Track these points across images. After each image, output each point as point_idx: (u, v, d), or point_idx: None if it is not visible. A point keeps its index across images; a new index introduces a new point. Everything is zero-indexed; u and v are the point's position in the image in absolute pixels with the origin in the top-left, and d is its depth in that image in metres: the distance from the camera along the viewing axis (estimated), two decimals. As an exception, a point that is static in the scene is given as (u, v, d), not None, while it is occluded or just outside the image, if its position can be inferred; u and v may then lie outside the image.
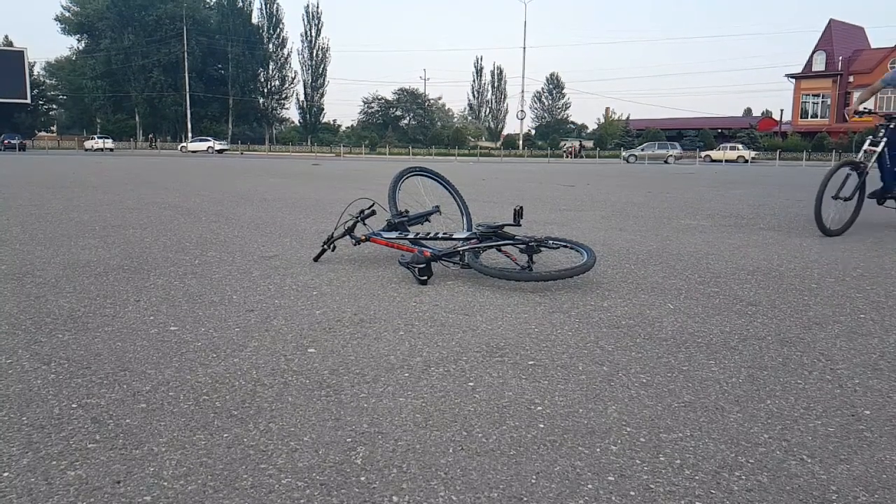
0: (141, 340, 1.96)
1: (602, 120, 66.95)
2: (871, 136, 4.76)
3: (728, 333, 2.13)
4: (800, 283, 2.96)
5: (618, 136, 56.53)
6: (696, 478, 1.21)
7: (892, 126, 4.73)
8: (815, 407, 1.55)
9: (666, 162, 37.27)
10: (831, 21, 50.52)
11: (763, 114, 66.36)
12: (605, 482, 1.19)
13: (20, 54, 51.68)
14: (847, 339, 2.09)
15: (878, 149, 4.72)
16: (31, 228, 4.35)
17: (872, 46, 50.92)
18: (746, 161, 41.27)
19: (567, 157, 49.62)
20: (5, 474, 1.18)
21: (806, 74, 51.03)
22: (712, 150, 46.27)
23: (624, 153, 42.71)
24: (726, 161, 41.09)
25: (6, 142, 43.65)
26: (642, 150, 41.48)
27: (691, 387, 1.66)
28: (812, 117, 51.50)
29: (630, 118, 61.72)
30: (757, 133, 51.06)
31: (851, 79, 48.73)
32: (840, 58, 48.96)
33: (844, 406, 1.56)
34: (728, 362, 1.85)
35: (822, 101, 50.98)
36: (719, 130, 54.09)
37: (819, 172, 22.92)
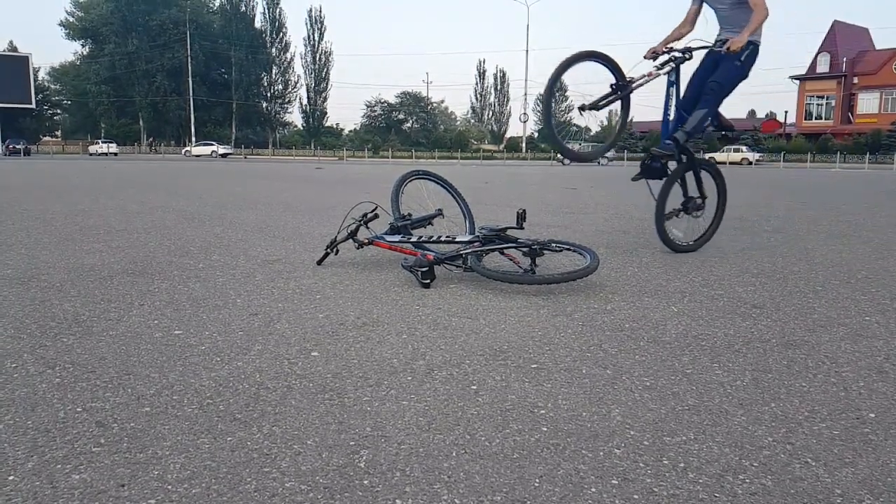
0: (145, 344, 1.97)
1: (605, 122, 66.92)
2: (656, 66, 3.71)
3: (732, 336, 2.13)
4: (804, 285, 2.95)
5: (621, 139, 56.47)
6: (700, 481, 1.21)
7: (688, 56, 3.68)
8: (820, 410, 1.54)
9: (599, 163, 38.18)
10: (835, 22, 50.42)
11: (767, 115, 66.21)
12: (609, 485, 1.19)
13: (25, 59, 51.97)
14: (852, 342, 2.08)
15: (660, 72, 3.64)
16: (35, 233, 4.37)
17: (877, 47, 50.79)
18: (750, 163, 41.24)
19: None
20: (10, 478, 1.18)
21: (810, 76, 50.93)
22: (716, 152, 46.22)
23: (558, 155, 43.87)
24: (730, 163, 41.04)
25: (11, 147, 43.90)
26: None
27: (695, 390, 1.65)
28: (816, 119, 51.38)
29: (633, 120, 61.68)
30: (761, 135, 50.96)
31: (856, 80, 48.63)
32: (844, 59, 48.84)
33: (849, 409, 1.55)
34: (732, 365, 1.84)
35: (827, 103, 50.88)
36: (723, 132, 53.93)
37: (824, 174, 22.85)
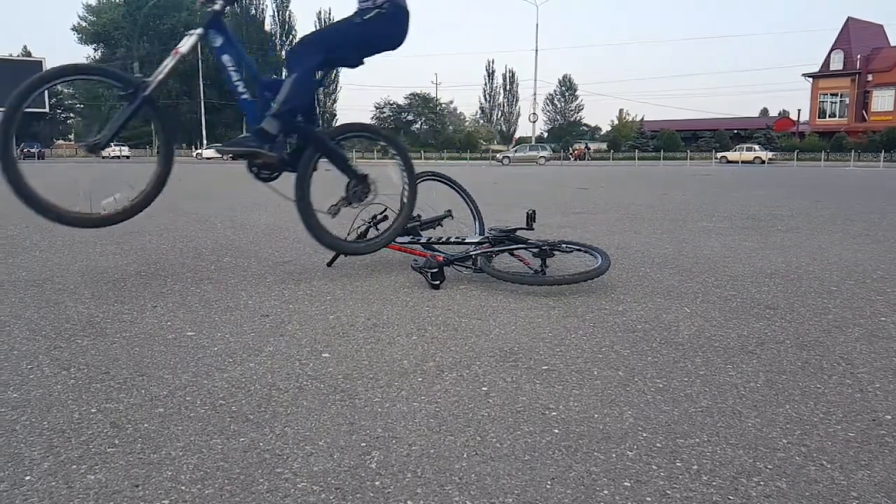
0: (158, 346, 1.99)
1: (616, 122, 66.63)
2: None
3: (746, 337, 2.11)
4: (819, 285, 2.92)
5: (632, 138, 56.22)
6: (714, 483, 1.20)
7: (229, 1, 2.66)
8: (835, 411, 1.52)
9: (538, 163, 39.28)
10: (849, 19, 49.88)
11: (780, 114, 65.64)
12: (621, 488, 1.18)
13: (38, 64, 52.32)
14: (867, 343, 2.06)
15: (189, 44, 2.65)
16: (49, 235, 4.42)
17: (892, 44, 50.16)
18: (763, 162, 40.91)
19: (573, 158, 50.09)
20: (27, 478, 1.20)
21: (823, 74, 50.43)
22: (728, 151, 45.90)
23: (499, 155, 46.03)
24: (742, 162, 40.75)
25: (25, 150, 44.45)
26: (515, 151, 45.05)
27: (708, 391, 1.64)
28: (830, 117, 50.87)
29: (644, 119, 61.35)
30: (774, 133, 50.54)
31: (870, 77, 48.08)
32: (858, 56, 48.30)
33: (865, 410, 1.53)
34: (746, 366, 1.83)
35: (841, 101, 50.35)
36: (735, 131, 53.58)
37: (838, 172, 22.56)
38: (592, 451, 1.32)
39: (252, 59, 2.86)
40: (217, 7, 2.65)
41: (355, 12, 2.80)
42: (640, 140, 54.37)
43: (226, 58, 2.68)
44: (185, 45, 2.67)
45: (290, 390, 1.63)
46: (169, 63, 2.71)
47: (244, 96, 2.71)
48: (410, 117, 66.74)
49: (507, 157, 43.17)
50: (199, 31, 2.66)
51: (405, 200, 3.16)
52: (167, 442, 1.35)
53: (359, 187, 3.05)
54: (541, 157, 41.63)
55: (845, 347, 2.01)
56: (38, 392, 1.61)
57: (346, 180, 3.04)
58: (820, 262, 3.53)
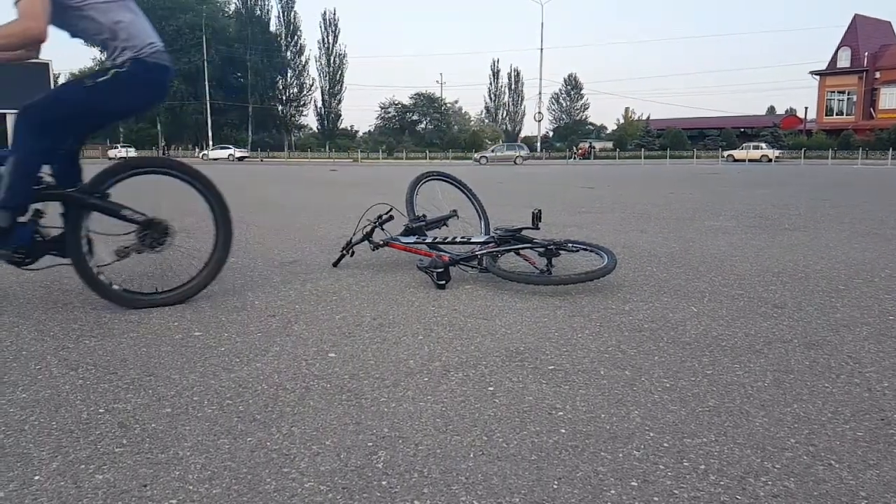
0: (166, 346, 2.00)
1: (622, 120, 66.47)
2: None
3: (753, 336, 2.10)
4: (826, 284, 2.90)
5: (638, 137, 56.07)
6: (721, 483, 1.19)
7: None
8: (843, 411, 1.51)
9: (515, 163, 39.09)
10: (856, 16, 49.53)
11: (787, 112, 65.30)
12: (628, 487, 1.18)
13: (45, 66, 52.72)
14: (876, 342, 2.04)
15: None
16: (58, 236, 4.44)
17: (899, 41, 49.75)
18: (770, 160, 40.70)
19: (578, 157, 50.08)
20: (36, 478, 1.21)
21: (831, 71, 50.09)
22: (735, 149, 45.71)
23: (475, 155, 45.94)
24: (749, 161, 40.55)
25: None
26: (493, 151, 44.83)
27: (716, 391, 1.64)
28: (837, 115, 50.53)
29: (650, 118, 61.16)
30: (781, 131, 50.27)
31: (878, 75, 47.72)
32: (866, 54, 47.96)
33: (873, 410, 1.52)
34: (753, 366, 1.82)
35: (848, 99, 50.00)
36: (742, 129, 53.34)
37: (846, 170, 22.42)
38: (599, 451, 1.32)
39: None
40: None
41: (90, 74, 2.38)
42: (646, 139, 54.19)
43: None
44: None
45: (296, 390, 1.64)
46: None
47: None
48: (415, 117, 66.74)
49: (485, 157, 42.91)
50: None
51: (216, 246, 2.72)
52: (175, 442, 1.35)
53: (148, 232, 2.55)
54: (518, 156, 41.58)
55: (853, 346, 2.00)
56: (47, 392, 1.62)
57: (132, 229, 2.55)
58: (827, 260, 3.51)
